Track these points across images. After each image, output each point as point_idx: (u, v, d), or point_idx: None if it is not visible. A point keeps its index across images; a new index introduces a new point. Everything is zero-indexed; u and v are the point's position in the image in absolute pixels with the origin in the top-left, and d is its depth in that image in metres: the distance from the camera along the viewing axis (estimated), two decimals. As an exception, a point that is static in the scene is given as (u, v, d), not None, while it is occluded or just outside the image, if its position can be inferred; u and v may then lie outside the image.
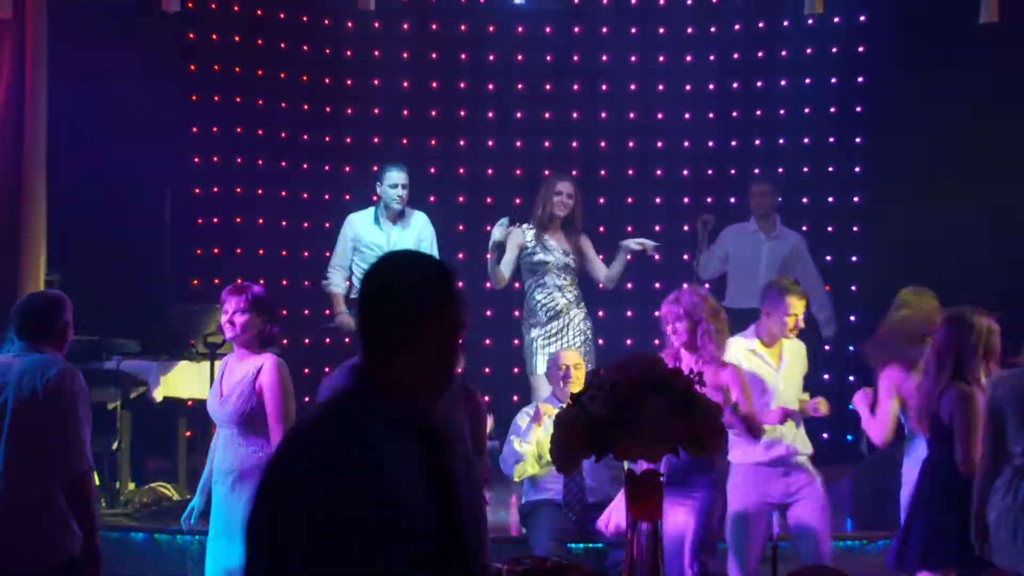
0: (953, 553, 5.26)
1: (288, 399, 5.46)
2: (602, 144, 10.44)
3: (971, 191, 8.74)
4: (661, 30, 10.46)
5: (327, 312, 9.08)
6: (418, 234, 8.26)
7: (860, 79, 9.85)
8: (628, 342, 9.41)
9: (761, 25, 10.20)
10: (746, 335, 6.23)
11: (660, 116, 10.39)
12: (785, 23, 9.99)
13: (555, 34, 10.47)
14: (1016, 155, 8.72)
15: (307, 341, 9.70)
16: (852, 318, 9.52)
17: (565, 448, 3.50)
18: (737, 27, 10.29)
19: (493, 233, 7.92)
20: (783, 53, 10.13)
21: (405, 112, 10.23)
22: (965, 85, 8.86)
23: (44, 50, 7.44)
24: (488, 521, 3.36)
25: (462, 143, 10.46)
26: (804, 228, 9.23)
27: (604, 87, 10.45)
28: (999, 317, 5.46)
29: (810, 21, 9.22)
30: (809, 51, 10.00)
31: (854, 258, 9.81)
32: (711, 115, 10.34)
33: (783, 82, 10.15)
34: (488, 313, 9.65)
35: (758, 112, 10.25)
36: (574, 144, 10.45)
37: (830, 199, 9.95)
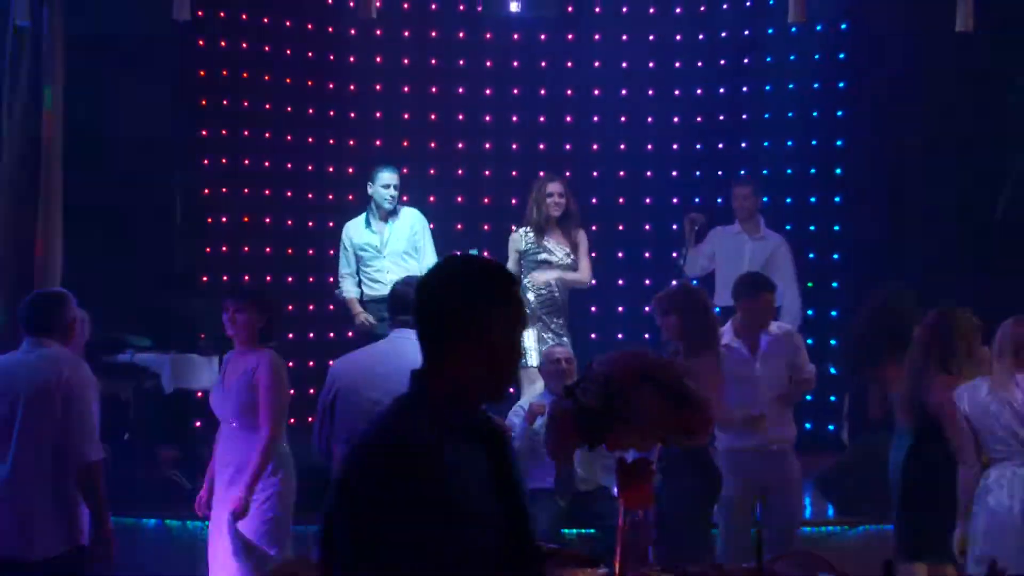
0: (944, 543, 5.19)
1: (280, 394, 5.49)
2: (594, 146, 10.48)
3: (939, 191, 8.79)
4: (651, 37, 10.47)
5: (331, 308, 9.11)
6: (410, 227, 8.25)
7: (841, 84, 9.86)
8: (619, 336, 9.43)
9: (747, 33, 10.22)
10: (724, 329, 6.26)
11: (650, 120, 10.41)
12: (769, 31, 10.00)
13: (549, 41, 10.48)
14: (983, 156, 8.75)
15: (311, 335, 9.74)
16: (833, 313, 9.56)
17: (559, 438, 3.51)
18: (724, 34, 10.32)
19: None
20: (768, 59, 10.13)
21: (406, 116, 10.22)
22: (938, 89, 8.93)
23: (61, 56, 7.43)
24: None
25: (460, 145, 10.45)
26: (788, 227, 9.26)
27: (596, 92, 10.46)
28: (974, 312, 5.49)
29: (793, 29, 9.23)
30: (792, 57, 10.01)
31: (835, 256, 9.83)
32: (699, 118, 10.36)
33: (768, 87, 10.15)
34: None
35: (744, 116, 10.25)
36: (567, 146, 10.46)
37: (812, 199, 9.96)
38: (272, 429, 5.43)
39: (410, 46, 10.27)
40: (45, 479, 4.95)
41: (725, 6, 10.28)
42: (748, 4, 10.12)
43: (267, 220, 9.83)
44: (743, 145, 10.22)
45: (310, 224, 9.82)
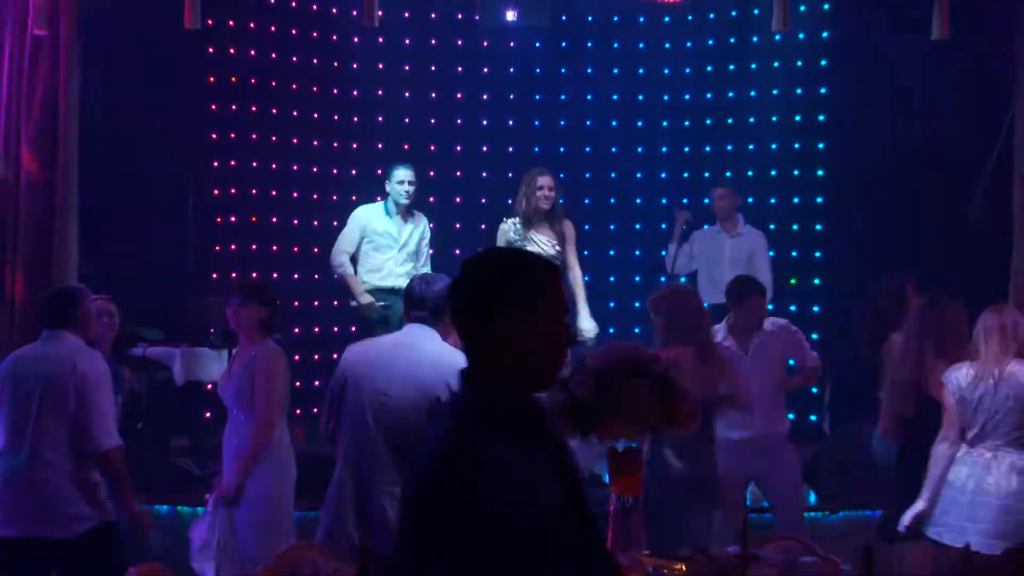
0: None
1: (274, 383, 5.43)
2: (587, 149, 10.51)
3: (916, 191, 8.81)
4: (641, 44, 10.50)
5: (336, 304, 9.10)
6: (422, 231, 8.27)
7: (823, 90, 9.87)
8: (611, 330, 9.44)
9: (732, 40, 10.23)
10: (719, 327, 6.27)
11: (640, 123, 10.45)
12: (754, 39, 10.01)
13: (544, 48, 10.51)
14: (958, 156, 8.77)
15: (316, 330, 9.76)
16: (815, 308, 9.58)
17: (553, 428, 3.52)
18: (711, 42, 10.33)
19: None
20: (752, 66, 10.14)
21: (406, 120, 10.23)
22: (912, 93, 8.99)
23: (77, 63, 7.43)
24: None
25: (459, 148, 10.49)
26: (772, 227, 9.29)
27: (589, 96, 10.49)
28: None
29: (777, 37, 9.23)
30: (776, 64, 10.02)
31: (817, 254, 9.85)
32: (687, 122, 10.41)
33: (752, 92, 10.16)
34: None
35: (729, 120, 10.27)
36: (561, 149, 10.48)
37: (795, 200, 9.98)
38: (264, 417, 5.36)
39: (410, 53, 10.28)
40: (63, 464, 4.97)
41: (712, 16, 10.30)
42: (734, 14, 10.13)
43: (274, 220, 9.82)
44: (729, 148, 10.23)
45: (315, 223, 9.80)
